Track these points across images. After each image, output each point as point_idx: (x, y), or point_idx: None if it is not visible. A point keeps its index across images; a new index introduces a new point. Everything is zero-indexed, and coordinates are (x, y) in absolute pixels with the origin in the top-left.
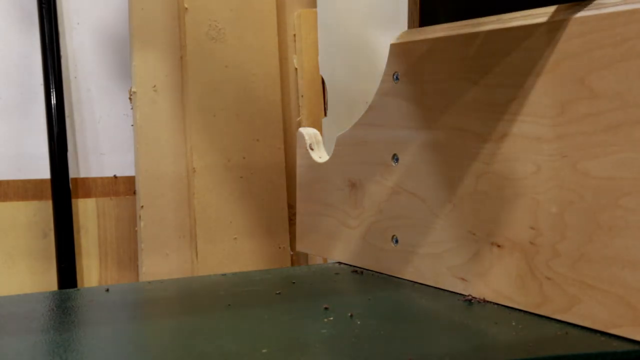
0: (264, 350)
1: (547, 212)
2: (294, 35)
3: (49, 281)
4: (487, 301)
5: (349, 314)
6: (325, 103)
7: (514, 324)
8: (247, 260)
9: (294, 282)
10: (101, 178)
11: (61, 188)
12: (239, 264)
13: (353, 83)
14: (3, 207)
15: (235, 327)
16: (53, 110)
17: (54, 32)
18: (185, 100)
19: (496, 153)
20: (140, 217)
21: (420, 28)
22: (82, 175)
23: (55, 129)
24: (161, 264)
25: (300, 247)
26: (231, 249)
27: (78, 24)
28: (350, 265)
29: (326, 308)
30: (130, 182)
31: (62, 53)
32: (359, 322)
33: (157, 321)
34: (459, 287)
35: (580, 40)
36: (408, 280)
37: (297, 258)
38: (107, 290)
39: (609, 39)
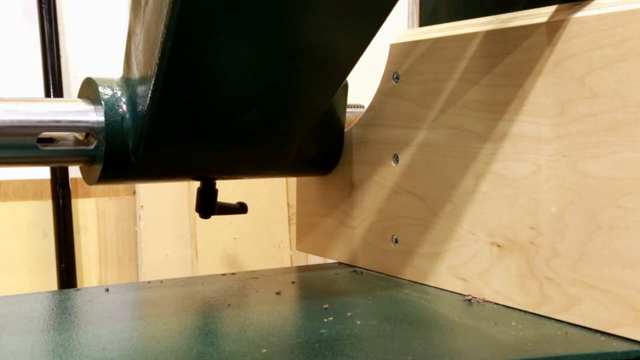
0: (263, 350)
1: (547, 212)
2: None
3: (49, 281)
4: (487, 301)
5: (349, 314)
6: None
7: (514, 324)
8: (247, 260)
9: (293, 282)
10: None
11: (61, 188)
12: (239, 264)
13: (353, 83)
14: (3, 207)
15: (235, 327)
16: None
17: (54, 32)
18: None
19: (496, 153)
20: (140, 217)
21: (420, 28)
22: None
23: None
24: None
25: (300, 247)
26: (231, 249)
27: (78, 23)
28: (350, 265)
29: (326, 308)
30: None
31: (62, 53)
32: (359, 322)
33: (156, 321)
34: (459, 287)
35: (580, 40)
36: (408, 280)
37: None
38: (107, 290)
39: (609, 39)
